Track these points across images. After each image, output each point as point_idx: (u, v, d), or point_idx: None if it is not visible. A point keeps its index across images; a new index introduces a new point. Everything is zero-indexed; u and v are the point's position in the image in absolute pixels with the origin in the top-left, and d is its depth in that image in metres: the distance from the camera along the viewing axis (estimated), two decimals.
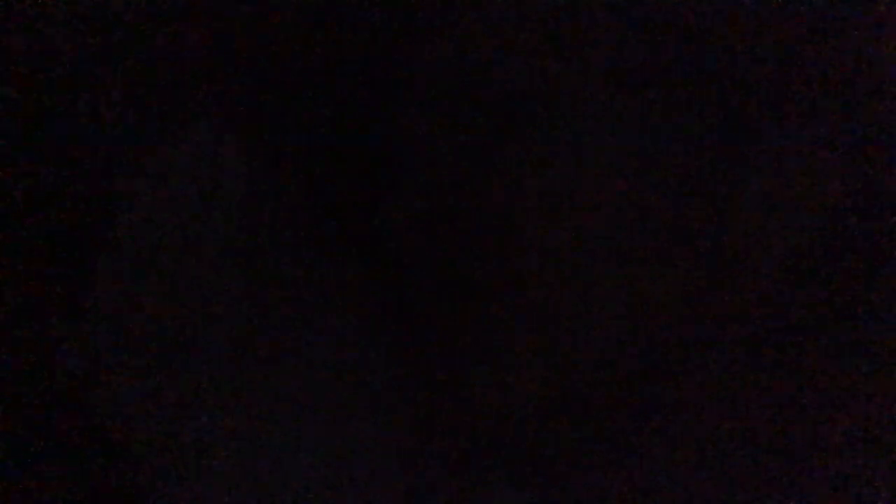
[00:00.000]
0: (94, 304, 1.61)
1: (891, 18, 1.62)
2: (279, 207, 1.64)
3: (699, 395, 1.59)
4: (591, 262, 1.61)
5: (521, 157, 1.62)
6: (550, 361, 1.60)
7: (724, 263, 1.61)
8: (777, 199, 1.62)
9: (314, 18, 1.64)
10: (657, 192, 1.61)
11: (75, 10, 1.64)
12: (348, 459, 1.59)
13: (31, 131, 1.62)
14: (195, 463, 1.59)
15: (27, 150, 1.62)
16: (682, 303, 1.60)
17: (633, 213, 1.61)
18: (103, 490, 1.59)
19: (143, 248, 1.62)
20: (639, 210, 1.61)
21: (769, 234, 1.61)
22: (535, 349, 1.60)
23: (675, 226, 1.61)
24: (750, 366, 1.60)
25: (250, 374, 1.61)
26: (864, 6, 1.62)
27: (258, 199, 1.64)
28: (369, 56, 1.65)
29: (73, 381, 1.60)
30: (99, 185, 1.62)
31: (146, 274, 1.62)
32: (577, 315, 1.60)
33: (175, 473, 1.59)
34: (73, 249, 1.62)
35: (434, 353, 1.61)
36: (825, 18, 1.62)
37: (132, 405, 1.59)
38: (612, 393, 1.59)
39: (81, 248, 1.62)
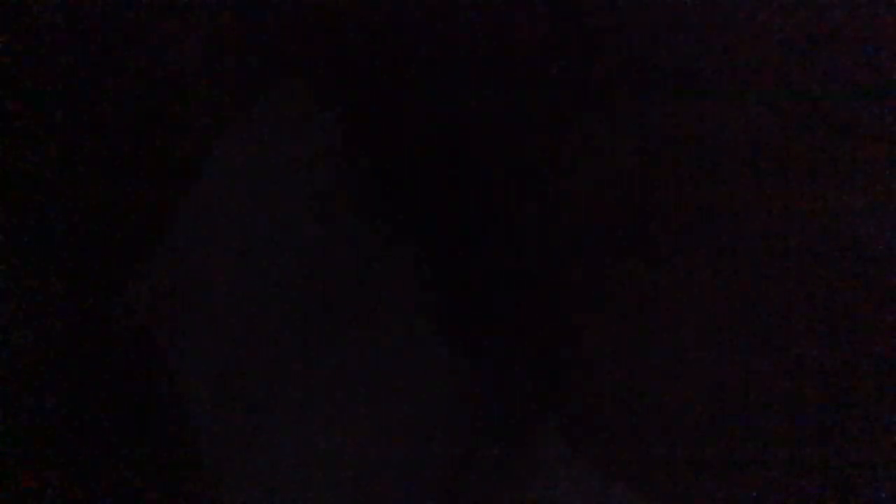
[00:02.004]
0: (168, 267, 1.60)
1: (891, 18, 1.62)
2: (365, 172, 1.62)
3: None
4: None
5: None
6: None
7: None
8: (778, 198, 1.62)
9: None
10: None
11: None
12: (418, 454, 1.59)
13: (118, 91, 1.61)
14: (265, 463, 1.60)
15: (112, 110, 1.61)
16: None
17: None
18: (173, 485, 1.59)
19: (225, 216, 1.62)
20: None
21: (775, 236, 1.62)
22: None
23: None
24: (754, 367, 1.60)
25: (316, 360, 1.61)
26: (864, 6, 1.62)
27: (346, 161, 1.61)
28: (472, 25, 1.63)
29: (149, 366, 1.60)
30: (186, 148, 1.61)
31: (225, 243, 1.61)
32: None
33: (247, 472, 1.60)
34: (152, 215, 1.62)
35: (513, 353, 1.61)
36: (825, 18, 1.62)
37: (206, 393, 1.60)
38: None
39: (159, 213, 1.62)
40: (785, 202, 1.64)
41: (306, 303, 1.65)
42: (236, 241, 1.66)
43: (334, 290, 1.65)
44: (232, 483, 1.62)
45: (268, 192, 1.67)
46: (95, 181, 1.65)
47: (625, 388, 1.61)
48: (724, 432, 1.61)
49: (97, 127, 1.64)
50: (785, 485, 1.60)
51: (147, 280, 1.64)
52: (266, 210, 1.66)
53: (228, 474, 1.61)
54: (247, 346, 1.63)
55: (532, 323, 1.65)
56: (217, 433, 1.63)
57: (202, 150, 1.65)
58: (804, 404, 1.62)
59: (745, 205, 1.65)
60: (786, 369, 1.62)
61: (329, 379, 1.64)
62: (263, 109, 1.65)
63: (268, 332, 1.65)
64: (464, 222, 1.65)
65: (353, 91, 1.67)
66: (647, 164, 1.65)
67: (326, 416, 1.63)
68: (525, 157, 1.66)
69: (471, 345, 1.64)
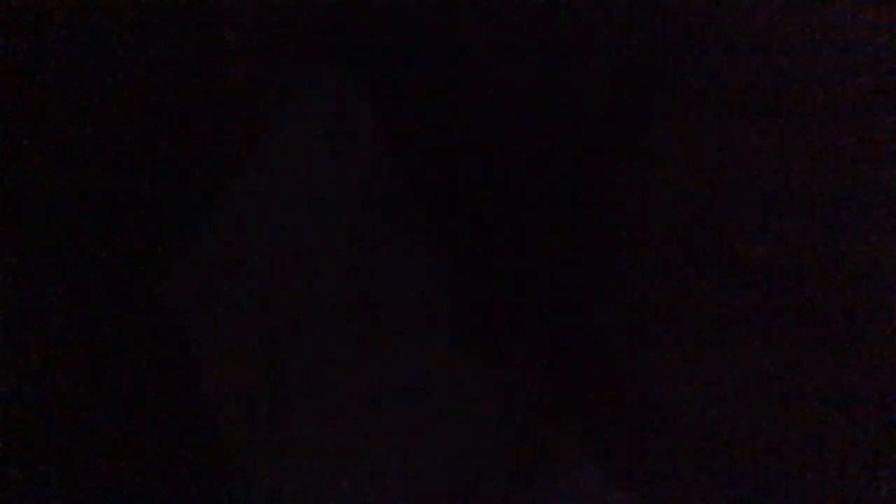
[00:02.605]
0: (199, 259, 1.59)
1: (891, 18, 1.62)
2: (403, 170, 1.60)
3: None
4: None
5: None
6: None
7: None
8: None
9: None
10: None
11: None
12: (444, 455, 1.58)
13: (148, 84, 1.60)
14: (288, 459, 1.59)
15: (143, 103, 1.60)
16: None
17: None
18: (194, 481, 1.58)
19: (257, 210, 1.60)
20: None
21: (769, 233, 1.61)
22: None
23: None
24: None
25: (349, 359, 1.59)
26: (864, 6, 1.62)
27: (384, 157, 1.59)
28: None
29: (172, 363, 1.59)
30: (220, 141, 1.60)
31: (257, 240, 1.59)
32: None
33: (271, 470, 1.59)
34: (182, 207, 1.60)
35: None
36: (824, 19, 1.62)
37: (231, 392, 1.59)
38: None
39: (189, 207, 1.60)
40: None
41: (336, 302, 1.64)
42: (265, 240, 1.65)
43: (363, 289, 1.64)
44: (255, 487, 1.61)
45: (301, 189, 1.65)
46: (119, 180, 1.64)
47: (647, 398, 1.60)
48: (748, 444, 1.60)
49: (123, 123, 1.64)
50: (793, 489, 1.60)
51: (175, 278, 1.63)
52: (299, 207, 1.65)
53: (252, 479, 1.61)
54: (273, 349, 1.62)
55: (550, 327, 1.63)
56: (241, 437, 1.62)
57: (235, 148, 1.64)
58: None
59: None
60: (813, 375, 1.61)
61: (350, 382, 1.63)
62: (295, 107, 1.64)
63: (296, 332, 1.63)
64: (485, 224, 1.64)
65: (386, 87, 1.66)
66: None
67: (344, 420, 1.62)
68: (557, 160, 1.65)
69: (487, 349, 1.63)
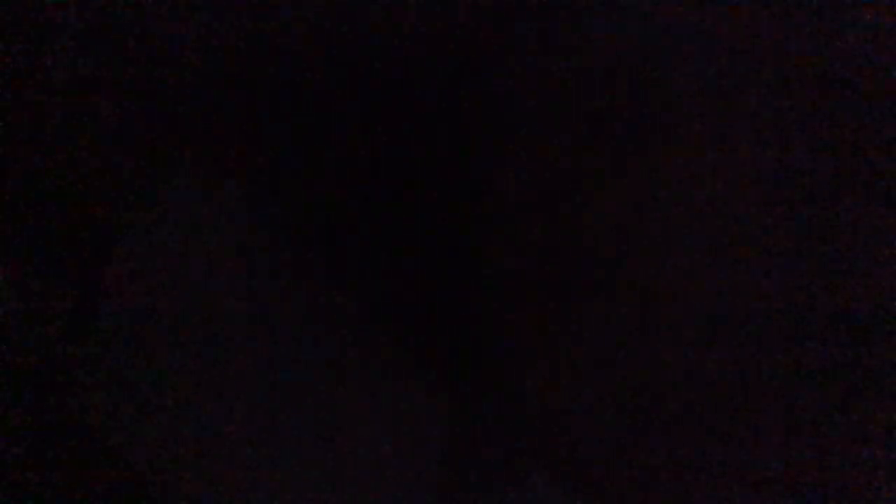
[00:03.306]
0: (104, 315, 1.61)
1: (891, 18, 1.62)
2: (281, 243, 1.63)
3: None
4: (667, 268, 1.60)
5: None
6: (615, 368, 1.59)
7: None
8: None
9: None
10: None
11: (75, 28, 1.63)
12: (380, 461, 1.59)
13: (37, 148, 1.62)
14: (200, 467, 1.59)
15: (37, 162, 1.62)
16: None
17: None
18: (104, 493, 1.59)
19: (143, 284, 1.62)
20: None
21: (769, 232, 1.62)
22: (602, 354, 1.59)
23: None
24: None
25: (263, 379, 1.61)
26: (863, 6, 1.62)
27: (259, 233, 1.62)
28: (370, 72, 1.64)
29: (78, 388, 1.60)
30: (101, 218, 1.62)
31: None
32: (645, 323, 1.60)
33: (180, 479, 1.59)
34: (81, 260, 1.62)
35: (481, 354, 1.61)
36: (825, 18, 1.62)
37: (132, 407, 1.60)
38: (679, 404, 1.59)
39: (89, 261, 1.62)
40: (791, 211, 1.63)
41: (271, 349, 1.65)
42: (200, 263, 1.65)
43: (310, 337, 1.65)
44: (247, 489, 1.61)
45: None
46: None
47: (625, 435, 1.61)
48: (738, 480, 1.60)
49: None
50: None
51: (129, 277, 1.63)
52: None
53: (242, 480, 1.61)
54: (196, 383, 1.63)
55: (527, 364, 1.64)
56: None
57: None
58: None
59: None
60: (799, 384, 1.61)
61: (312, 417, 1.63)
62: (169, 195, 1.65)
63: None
64: (452, 252, 1.64)
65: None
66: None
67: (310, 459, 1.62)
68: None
69: (462, 388, 1.64)
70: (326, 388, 1.61)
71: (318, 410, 1.61)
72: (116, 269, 1.61)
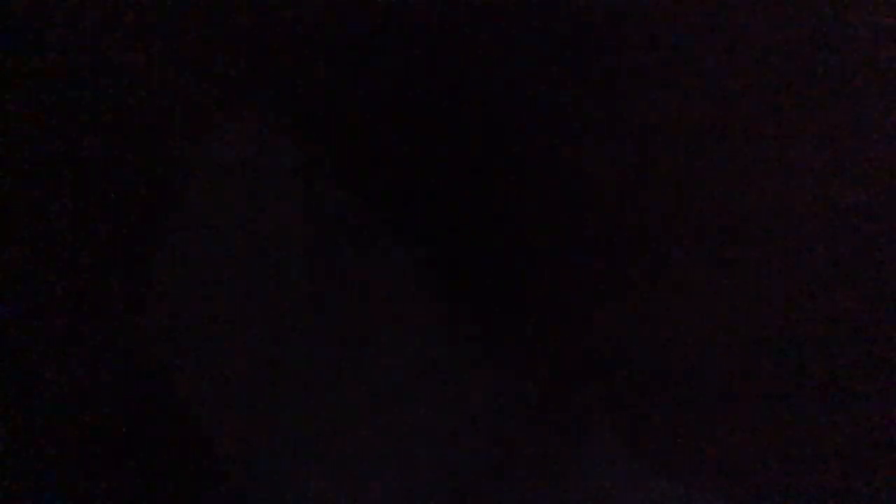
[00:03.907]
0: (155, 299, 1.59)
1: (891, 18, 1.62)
2: (335, 196, 1.61)
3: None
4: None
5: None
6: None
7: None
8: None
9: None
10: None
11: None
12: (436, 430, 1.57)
13: (82, 122, 1.61)
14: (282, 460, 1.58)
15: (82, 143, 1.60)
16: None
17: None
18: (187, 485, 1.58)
19: (198, 243, 1.60)
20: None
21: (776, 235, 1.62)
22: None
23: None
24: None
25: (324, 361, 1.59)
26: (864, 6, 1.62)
27: (313, 188, 1.60)
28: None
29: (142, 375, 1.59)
30: (150, 178, 1.60)
31: (202, 270, 1.60)
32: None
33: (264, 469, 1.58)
34: (130, 244, 1.60)
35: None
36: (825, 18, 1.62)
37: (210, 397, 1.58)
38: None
39: (137, 243, 1.61)
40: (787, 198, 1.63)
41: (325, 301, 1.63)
42: (233, 243, 1.65)
43: (339, 291, 1.64)
44: (245, 489, 1.61)
45: (262, 196, 1.65)
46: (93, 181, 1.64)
47: (684, 381, 1.59)
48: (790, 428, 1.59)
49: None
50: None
51: (143, 281, 1.63)
52: (263, 212, 1.65)
53: (240, 479, 1.60)
54: (249, 352, 1.62)
55: (581, 317, 1.63)
56: (226, 441, 1.62)
57: (187, 155, 1.64)
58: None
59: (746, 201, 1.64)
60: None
61: (344, 383, 1.62)
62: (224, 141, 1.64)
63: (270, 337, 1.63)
64: (476, 221, 1.64)
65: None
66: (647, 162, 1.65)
67: (343, 422, 1.61)
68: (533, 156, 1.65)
69: (515, 342, 1.63)
70: (388, 365, 1.59)
71: (381, 386, 1.59)
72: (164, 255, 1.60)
